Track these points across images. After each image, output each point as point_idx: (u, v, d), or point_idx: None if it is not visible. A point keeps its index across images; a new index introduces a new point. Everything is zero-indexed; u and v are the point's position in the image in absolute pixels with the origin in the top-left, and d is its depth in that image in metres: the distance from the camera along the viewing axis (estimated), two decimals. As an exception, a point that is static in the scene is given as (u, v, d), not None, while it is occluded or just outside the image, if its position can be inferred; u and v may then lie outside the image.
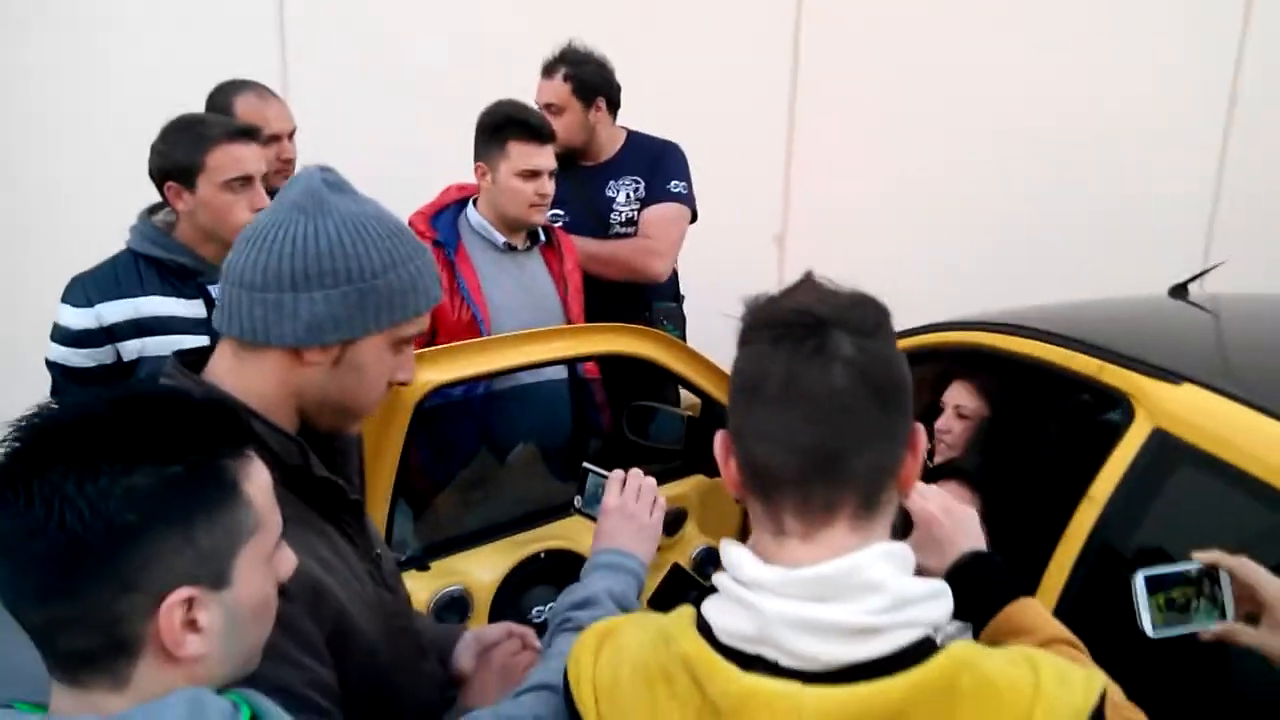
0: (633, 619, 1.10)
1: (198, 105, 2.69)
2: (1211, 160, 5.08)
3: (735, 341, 1.03)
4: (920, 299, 4.60)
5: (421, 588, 2.00)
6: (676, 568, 2.39)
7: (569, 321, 2.61)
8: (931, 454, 2.18)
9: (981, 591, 1.27)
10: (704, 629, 0.96)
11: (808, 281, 1.04)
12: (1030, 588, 1.72)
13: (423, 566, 2.08)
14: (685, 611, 1.01)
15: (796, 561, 0.94)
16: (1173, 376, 1.65)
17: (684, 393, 2.97)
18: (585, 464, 1.49)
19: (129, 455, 0.83)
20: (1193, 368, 1.66)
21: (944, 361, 2.20)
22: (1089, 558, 1.63)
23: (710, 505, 2.59)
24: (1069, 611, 1.62)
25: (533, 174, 2.52)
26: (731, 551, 0.98)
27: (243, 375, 1.16)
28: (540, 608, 2.18)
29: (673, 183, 3.02)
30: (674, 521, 2.41)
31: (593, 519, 1.46)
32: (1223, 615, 1.23)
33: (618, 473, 1.45)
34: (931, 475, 1.99)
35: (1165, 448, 1.60)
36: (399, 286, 1.18)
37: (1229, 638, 1.23)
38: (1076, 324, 2.00)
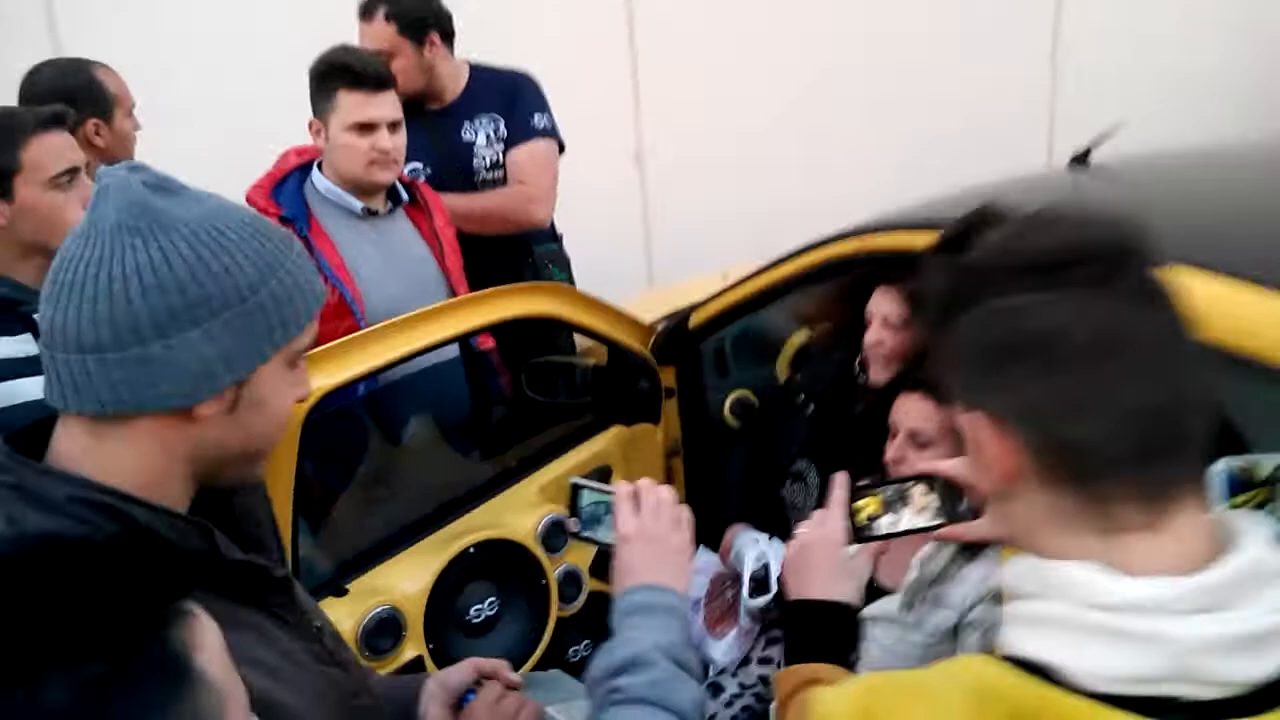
0: (883, 688, 0.83)
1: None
2: (1044, 46, 5.13)
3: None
4: (788, 204, 4.59)
5: (344, 616, 1.77)
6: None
7: (448, 284, 2.36)
8: (864, 368, 2.06)
9: None
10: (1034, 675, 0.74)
11: (999, 211, 0.81)
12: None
13: (339, 591, 1.84)
14: (981, 662, 0.79)
15: (1162, 565, 0.74)
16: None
17: (580, 340, 2.80)
18: (575, 479, 1.26)
19: (28, 662, 0.57)
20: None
21: (863, 269, 2.06)
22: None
23: (633, 456, 2.43)
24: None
25: (367, 127, 2.21)
26: (1070, 572, 0.75)
27: (107, 457, 0.89)
28: (478, 606, 1.98)
29: (535, 117, 2.76)
30: (600, 479, 2.24)
31: (598, 545, 1.24)
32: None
33: (624, 487, 1.19)
34: (889, 391, 1.86)
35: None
36: (283, 294, 0.94)
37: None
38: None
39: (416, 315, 1.87)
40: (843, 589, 1.15)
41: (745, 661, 2.12)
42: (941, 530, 1.18)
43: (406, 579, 1.89)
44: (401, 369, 2.09)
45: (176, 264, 0.87)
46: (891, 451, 1.77)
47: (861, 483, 1.21)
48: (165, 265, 0.87)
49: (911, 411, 1.75)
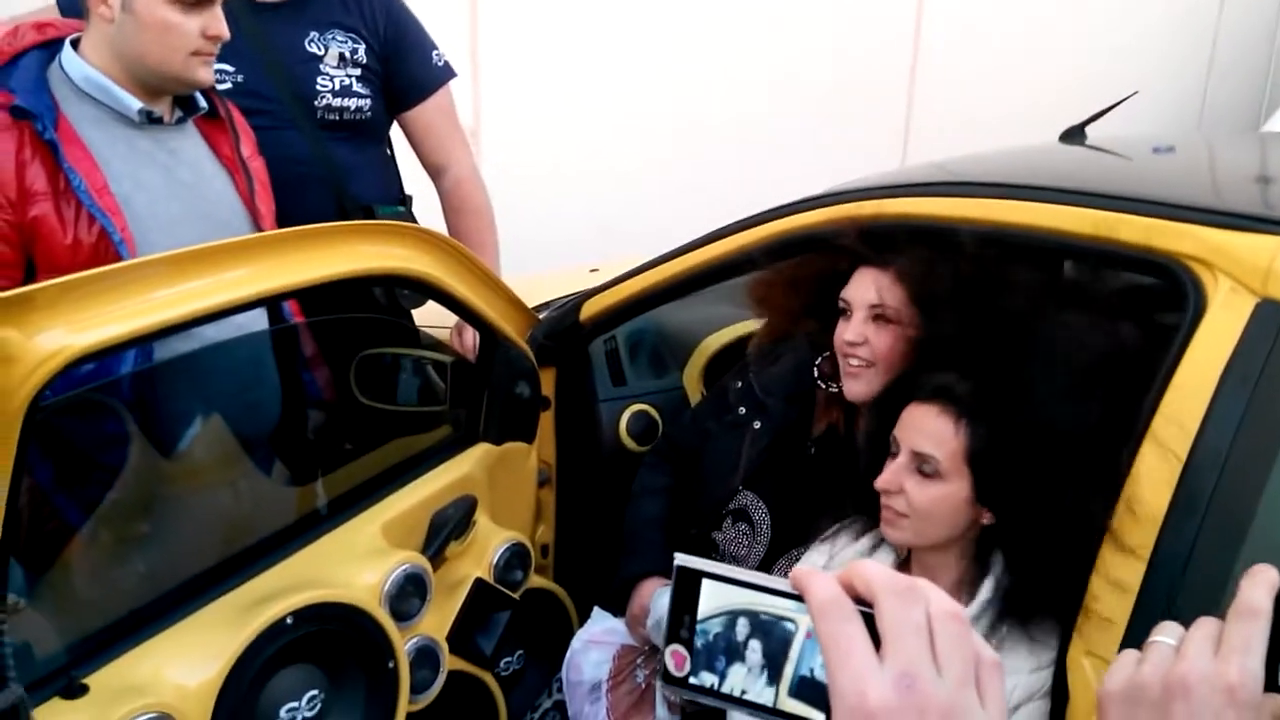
0: None
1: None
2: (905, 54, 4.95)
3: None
4: (633, 191, 4.12)
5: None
6: (480, 584, 1.63)
7: (258, 231, 1.67)
8: (835, 377, 1.56)
9: None
10: None
11: None
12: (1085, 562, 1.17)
13: (73, 689, 1.14)
14: None
15: None
16: (1272, 225, 1.13)
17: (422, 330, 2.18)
18: (683, 558, 0.55)
19: None
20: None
21: (838, 248, 1.57)
22: (1185, 510, 1.10)
23: (501, 485, 1.83)
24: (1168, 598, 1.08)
25: (199, 1, 1.53)
26: None
27: None
28: (294, 705, 1.33)
29: (434, 54, 2.12)
30: (464, 517, 1.63)
31: (743, 710, 0.55)
32: None
33: (822, 583, 0.50)
34: (886, 401, 1.37)
35: (1289, 327, 1.09)
36: None
37: None
38: (1039, 174, 1.46)
39: (217, 248, 1.19)
40: None
41: (663, 769, 1.56)
42: None
43: (184, 667, 1.21)
44: (182, 346, 1.42)
45: None
46: (886, 476, 1.29)
47: None
48: None
49: (923, 428, 1.27)
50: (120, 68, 1.53)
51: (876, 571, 0.50)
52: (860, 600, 0.50)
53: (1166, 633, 0.59)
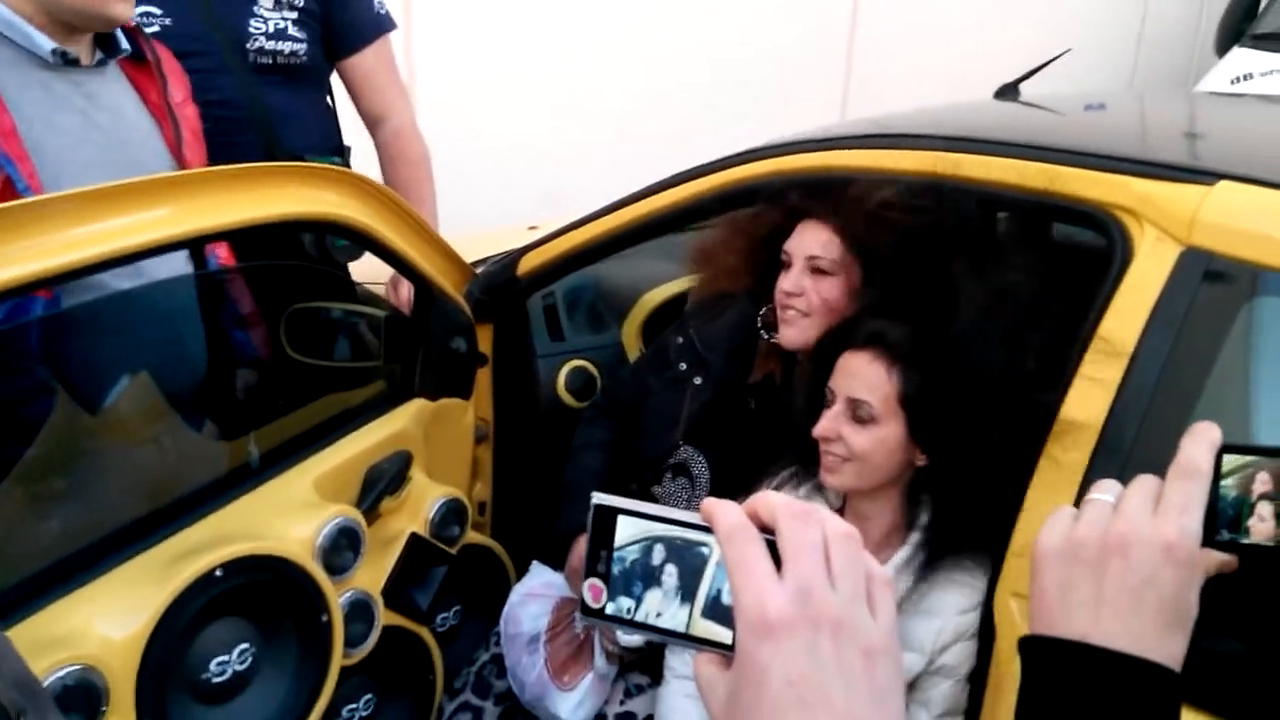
0: None
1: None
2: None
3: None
4: (574, 158, 4.08)
5: None
6: (416, 539, 1.61)
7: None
8: (772, 326, 1.56)
9: None
10: None
11: None
12: (1012, 504, 1.19)
13: (-9, 642, 1.11)
14: None
15: None
16: (1197, 175, 1.15)
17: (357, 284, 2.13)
18: (600, 496, 0.55)
19: None
20: (1211, 160, 1.19)
21: (780, 201, 1.57)
22: (1109, 459, 1.12)
23: (437, 441, 1.81)
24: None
25: None
26: None
27: None
28: (224, 659, 1.30)
29: (375, 2, 2.07)
30: (399, 472, 1.61)
31: (653, 639, 0.57)
32: None
33: (727, 512, 0.52)
34: (823, 351, 1.37)
35: (1213, 276, 1.11)
36: None
37: None
38: (972, 128, 1.47)
39: (136, 185, 1.14)
40: (1170, 642, 0.60)
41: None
42: None
43: (109, 620, 1.18)
44: (98, 290, 1.38)
45: None
46: (824, 424, 1.30)
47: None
48: None
49: (857, 374, 1.29)
50: (36, 5, 1.46)
51: (777, 499, 0.53)
52: (765, 529, 0.52)
53: (1105, 490, 0.60)
